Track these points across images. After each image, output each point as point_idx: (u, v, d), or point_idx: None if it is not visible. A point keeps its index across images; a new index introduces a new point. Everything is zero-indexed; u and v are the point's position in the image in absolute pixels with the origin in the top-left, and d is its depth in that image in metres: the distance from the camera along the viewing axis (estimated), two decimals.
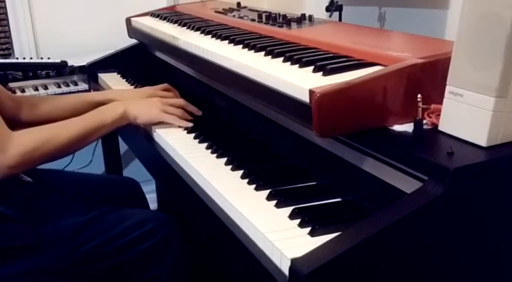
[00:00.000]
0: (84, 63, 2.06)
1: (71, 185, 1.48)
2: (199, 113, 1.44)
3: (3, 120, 1.14)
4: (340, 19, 1.71)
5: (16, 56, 2.25)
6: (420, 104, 0.90)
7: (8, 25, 2.26)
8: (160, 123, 1.38)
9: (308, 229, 0.85)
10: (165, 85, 1.57)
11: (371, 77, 0.92)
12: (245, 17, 1.65)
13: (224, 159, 1.15)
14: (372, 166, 0.95)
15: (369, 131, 0.92)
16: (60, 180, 1.48)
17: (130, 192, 1.60)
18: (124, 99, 1.48)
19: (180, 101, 1.44)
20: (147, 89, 1.60)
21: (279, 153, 1.20)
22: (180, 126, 1.37)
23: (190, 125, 1.35)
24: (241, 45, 1.31)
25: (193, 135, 1.31)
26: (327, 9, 1.71)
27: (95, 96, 1.55)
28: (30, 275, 1.15)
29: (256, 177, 1.04)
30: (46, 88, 2.04)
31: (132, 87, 1.80)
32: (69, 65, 2.11)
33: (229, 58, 1.22)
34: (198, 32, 1.54)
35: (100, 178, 1.67)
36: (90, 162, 2.37)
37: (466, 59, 0.86)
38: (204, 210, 1.04)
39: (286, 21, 1.47)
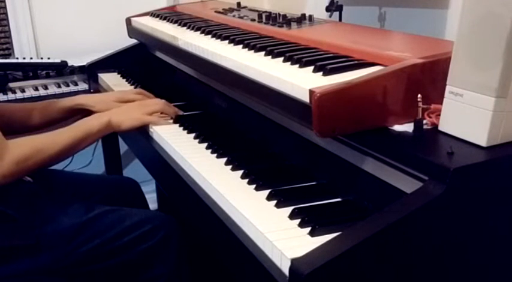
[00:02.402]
0: (84, 63, 2.06)
1: (71, 184, 1.48)
2: (180, 113, 1.46)
3: None
4: (340, 19, 1.71)
5: (16, 56, 2.25)
6: (420, 104, 0.90)
7: (8, 25, 2.26)
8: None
9: (308, 229, 0.85)
10: (137, 90, 1.62)
11: (371, 77, 0.92)
12: (245, 17, 1.65)
13: (224, 159, 1.15)
14: (372, 166, 0.95)
15: (369, 131, 0.92)
16: (60, 180, 1.48)
17: (129, 192, 1.60)
18: (92, 102, 1.53)
19: (160, 102, 1.45)
20: (116, 92, 1.66)
21: (279, 153, 1.20)
22: (180, 126, 1.37)
23: (170, 121, 1.39)
24: (241, 45, 1.31)
25: (193, 135, 1.31)
26: (327, 9, 1.71)
27: (64, 102, 1.57)
28: (30, 275, 1.15)
29: (256, 177, 1.04)
30: (46, 88, 2.04)
31: (132, 87, 1.80)
32: (69, 65, 2.11)
33: (229, 58, 1.22)
34: (198, 32, 1.54)
35: (99, 178, 1.67)
36: (90, 162, 2.37)
37: (466, 59, 0.86)
38: (204, 210, 1.04)
39: (286, 21, 1.47)
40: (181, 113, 1.46)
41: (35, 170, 1.23)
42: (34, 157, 1.19)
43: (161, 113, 1.43)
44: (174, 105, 1.48)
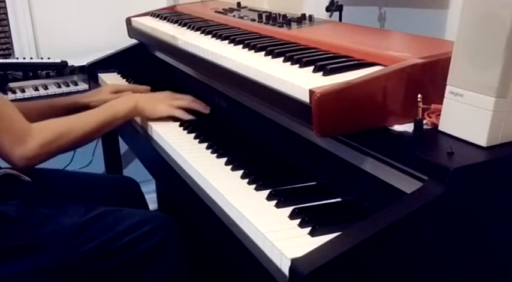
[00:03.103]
0: (84, 63, 2.06)
1: (70, 184, 1.48)
2: (208, 109, 1.46)
3: None
4: (340, 19, 1.71)
5: (16, 56, 2.25)
6: (420, 104, 0.90)
7: (8, 25, 2.26)
8: (160, 123, 1.39)
9: (308, 229, 0.85)
10: (131, 85, 1.66)
11: (371, 77, 0.92)
12: (245, 17, 1.65)
13: (224, 159, 1.15)
14: (372, 166, 0.95)
15: (369, 131, 0.92)
16: (60, 180, 1.48)
17: (129, 191, 1.60)
18: (86, 98, 1.57)
19: (188, 97, 1.47)
20: (109, 86, 1.69)
21: (279, 153, 1.20)
22: (180, 126, 1.37)
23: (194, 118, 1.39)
24: (241, 45, 1.31)
25: (193, 135, 1.31)
26: (327, 9, 1.71)
27: (61, 100, 1.60)
28: (30, 275, 1.14)
29: (256, 177, 1.04)
30: (46, 88, 2.04)
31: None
32: (69, 65, 2.11)
33: (229, 58, 1.22)
34: (198, 32, 1.54)
35: (99, 177, 1.68)
36: (90, 162, 2.37)
37: (466, 59, 0.86)
38: (204, 210, 1.04)
39: (286, 21, 1.47)
40: (208, 109, 1.46)
41: (60, 152, 1.24)
42: (58, 140, 1.21)
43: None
44: None
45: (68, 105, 1.55)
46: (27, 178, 1.32)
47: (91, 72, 2.01)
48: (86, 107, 1.56)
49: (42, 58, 2.16)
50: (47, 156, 1.22)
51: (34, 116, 1.50)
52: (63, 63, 2.10)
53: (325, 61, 1.05)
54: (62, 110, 1.54)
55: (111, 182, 1.62)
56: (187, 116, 1.40)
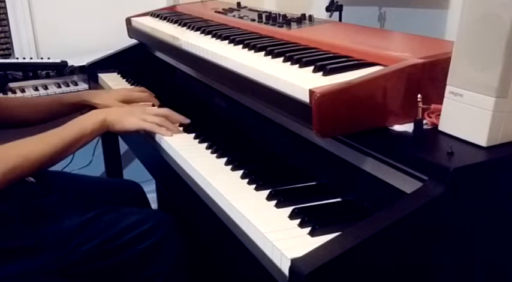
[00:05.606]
0: (84, 63, 2.06)
1: (73, 187, 1.48)
2: (186, 121, 1.37)
3: None
4: (340, 19, 1.71)
5: (16, 56, 2.25)
6: (420, 104, 0.90)
7: (8, 25, 2.26)
8: None
9: (308, 229, 0.85)
10: (141, 88, 1.62)
11: (371, 77, 0.92)
12: (245, 17, 1.65)
13: (224, 159, 1.15)
14: (372, 166, 0.95)
15: (369, 131, 0.92)
16: (62, 182, 1.47)
17: (132, 195, 1.59)
18: (98, 99, 1.52)
19: (163, 111, 1.37)
20: (122, 89, 1.65)
21: (279, 153, 1.20)
22: (180, 126, 1.37)
23: (169, 133, 1.30)
24: (241, 45, 1.31)
25: (193, 135, 1.31)
26: (327, 9, 1.72)
27: (69, 97, 1.57)
28: (29, 275, 1.14)
29: (256, 177, 1.04)
30: (46, 88, 2.04)
31: (132, 87, 1.80)
32: (69, 65, 2.11)
33: (229, 58, 1.22)
34: (198, 32, 1.54)
35: (102, 181, 1.67)
36: (90, 162, 2.37)
37: (466, 59, 0.86)
38: (204, 210, 1.04)
39: (286, 21, 1.47)
40: (187, 121, 1.37)
41: (26, 176, 1.20)
42: (22, 165, 1.13)
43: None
44: (174, 107, 1.45)
45: (75, 103, 1.54)
46: (32, 179, 1.31)
47: (91, 72, 2.01)
48: (94, 108, 1.54)
49: (42, 58, 2.16)
50: (12, 183, 1.13)
51: (44, 113, 1.50)
52: (63, 63, 2.10)
53: (325, 61, 1.05)
54: (69, 106, 1.53)
55: (114, 186, 1.61)
56: (158, 129, 1.30)
